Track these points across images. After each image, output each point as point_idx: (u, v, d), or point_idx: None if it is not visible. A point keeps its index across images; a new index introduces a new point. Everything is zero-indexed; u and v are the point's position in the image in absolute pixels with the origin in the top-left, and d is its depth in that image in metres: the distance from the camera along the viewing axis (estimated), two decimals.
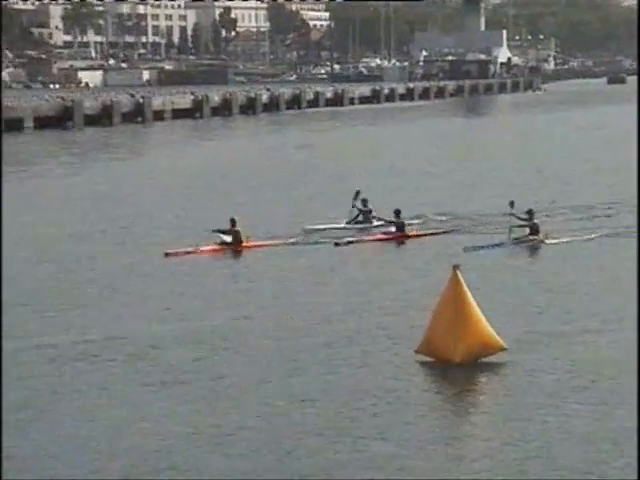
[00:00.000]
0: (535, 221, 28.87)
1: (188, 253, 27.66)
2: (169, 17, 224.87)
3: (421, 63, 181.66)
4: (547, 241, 28.46)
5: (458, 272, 17.07)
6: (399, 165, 52.56)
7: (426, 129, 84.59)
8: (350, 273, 25.70)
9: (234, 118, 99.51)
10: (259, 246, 28.82)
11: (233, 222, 28.56)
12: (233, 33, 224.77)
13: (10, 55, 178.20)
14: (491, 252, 27.38)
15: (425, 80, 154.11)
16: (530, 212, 28.96)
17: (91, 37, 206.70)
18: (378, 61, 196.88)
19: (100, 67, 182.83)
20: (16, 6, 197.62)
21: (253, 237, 28.99)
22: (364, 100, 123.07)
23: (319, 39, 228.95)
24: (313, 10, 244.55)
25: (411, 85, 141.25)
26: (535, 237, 28.54)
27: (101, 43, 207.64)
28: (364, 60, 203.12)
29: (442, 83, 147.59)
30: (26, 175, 52.32)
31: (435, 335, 17.07)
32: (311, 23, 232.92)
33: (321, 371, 17.45)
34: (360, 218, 31.62)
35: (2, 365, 17.66)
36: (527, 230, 28.72)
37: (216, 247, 28.42)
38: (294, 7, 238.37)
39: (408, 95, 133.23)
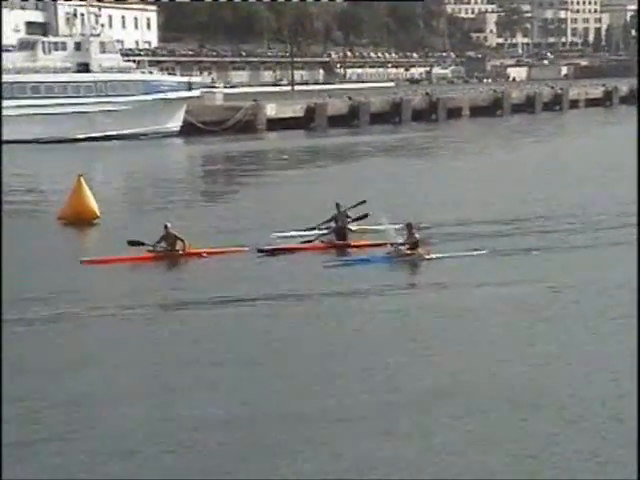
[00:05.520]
0: (415, 235, 22.15)
1: (107, 262, 21.90)
2: (586, 20, 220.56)
3: None
4: (427, 256, 21.88)
5: None
6: None
7: None
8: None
9: None
10: (197, 254, 22.63)
11: (166, 227, 22.62)
12: None
13: (453, 55, 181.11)
14: (356, 268, 21.32)
15: None
16: (409, 226, 22.32)
17: (519, 39, 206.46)
18: None
19: (526, 64, 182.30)
20: (459, 15, 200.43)
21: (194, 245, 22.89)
22: None
23: None
24: None
25: None
26: (414, 252, 21.89)
27: (527, 44, 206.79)
28: None
29: None
30: (462, 154, 53.56)
31: None
32: None
33: None
34: (332, 224, 24.94)
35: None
36: (405, 245, 22.06)
37: (145, 255, 22.28)
38: None
39: None
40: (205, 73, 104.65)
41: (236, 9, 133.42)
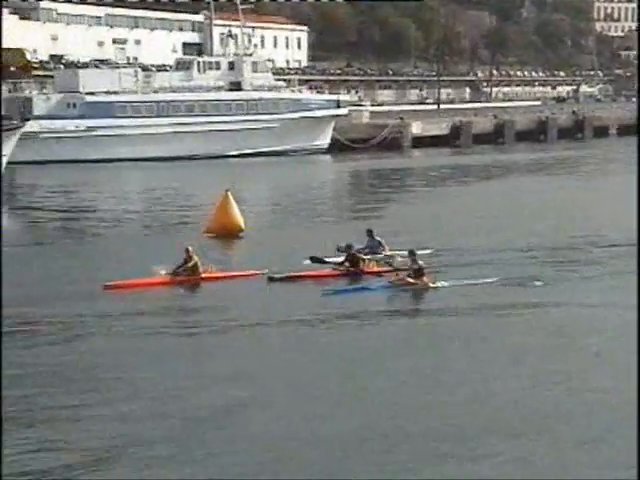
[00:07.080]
0: (419, 263, 20.98)
1: (132, 286, 20.99)
2: None
3: None
4: (432, 285, 20.71)
5: None
6: None
7: None
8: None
9: None
10: (217, 278, 22.12)
11: (187, 251, 22.14)
12: None
13: (600, 74, 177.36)
14: (353, 296, 20.29)
15: None
16: (412, 253, 21.18)
17: None
18: None
19: None
20: (608, 33, 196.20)
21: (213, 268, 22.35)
22: None
23: None
24: None
25: None
26: (418, 281, 20.71)
27: None
28: None
29: None
30: (608, 173, 52.14)
31: None
32: None
33: None
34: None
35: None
36: (408, 273, 20.96)
37: (166, 279, 21.58)
38: None
39: None
40: (352, 91, 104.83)
41: (384, 28, 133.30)
